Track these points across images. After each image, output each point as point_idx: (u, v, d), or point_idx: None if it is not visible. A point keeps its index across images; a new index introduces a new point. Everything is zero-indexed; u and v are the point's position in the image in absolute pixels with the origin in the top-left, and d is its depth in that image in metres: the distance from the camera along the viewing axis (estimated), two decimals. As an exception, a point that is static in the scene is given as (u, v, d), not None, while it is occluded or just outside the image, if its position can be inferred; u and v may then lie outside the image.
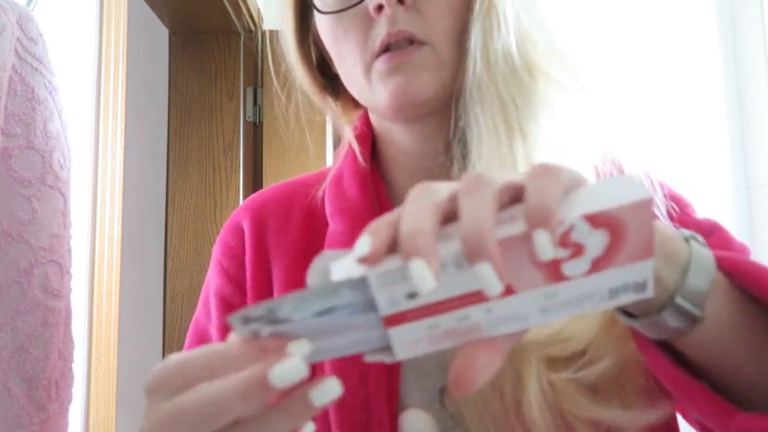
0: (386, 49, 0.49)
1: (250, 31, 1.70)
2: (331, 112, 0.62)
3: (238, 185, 1.63)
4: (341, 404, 0.47)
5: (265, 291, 0.55)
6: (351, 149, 0.59)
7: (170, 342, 1.58)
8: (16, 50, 0.58)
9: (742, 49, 2.03)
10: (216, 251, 0.60)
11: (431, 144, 0.54)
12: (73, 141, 0.66)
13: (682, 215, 0.52)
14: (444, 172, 0.53)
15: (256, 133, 1.70)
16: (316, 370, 0.49)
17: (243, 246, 0.58)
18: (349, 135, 0.59)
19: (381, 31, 0.48)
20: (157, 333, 1.62)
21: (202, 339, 0.57)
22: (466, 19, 0.49)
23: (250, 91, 1.69)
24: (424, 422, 0.48)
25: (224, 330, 0.55)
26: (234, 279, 0.57)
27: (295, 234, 0.57)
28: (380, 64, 0.49)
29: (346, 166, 0.58)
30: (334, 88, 0.61)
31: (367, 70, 0.50)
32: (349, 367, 0.48)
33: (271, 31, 1.72)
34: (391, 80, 0.49)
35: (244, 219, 0.59)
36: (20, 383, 0.57)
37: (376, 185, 0.57)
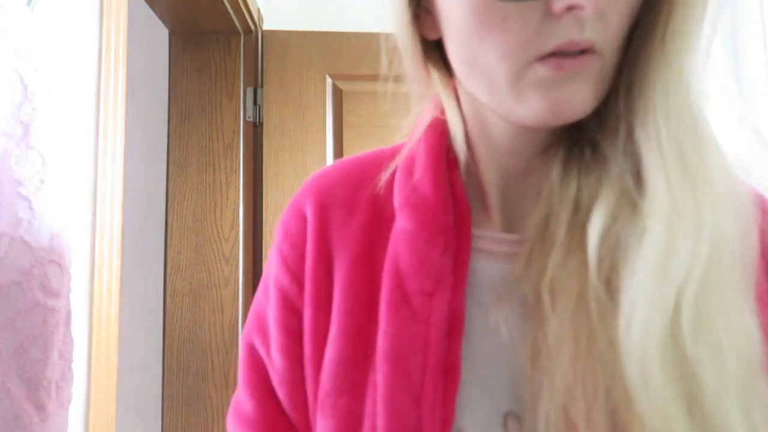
0: (555, 52, 0.41)
1: (250, 31, 1.70)
2: (422, 84, 0.53)
3: (238, 185, 1.63)
4: (391, 428, 0.44)
5: (324, 287, 0.51)
6: (428, 131, 0.53)
7: (170, 342, 1.58)
8: (16, 50, 0.58)
9: (742, 49, 2.02)
10: (278, 233, 0.56)
11: (534, 144, 0.49)
12: (73, 141, 0.66)
13: None
14: (542, 171, 0.48)
15: (256, 133, 1.70)
16: (368, 387, 0.47)
17: (304, 234, 0.53)
18: (450, 111, 0.51)
19: (561, 35, 0.40)
20: (157, 333, 1.62)
21: (261, 322, 0.55)
22: (632, 21, 0.43)
23: (250, 91, 1.69)
24: None
25: (281, 324, 0.52)
26: (291, 270, 0.53)
27: (360, 225, 0.52)
28: (544, 70, 0.42)
29: (419, 150, 0.52)
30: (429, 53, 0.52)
31: (520, 72, 0.42)
32: (402, 389, 0.45)
33: (271, 31, 1.73)
34: (551, 92, 0.42)
35: (308, 204, 0.54)
36: (20, 383, 0.57)
37: (451, 178, 0.51)
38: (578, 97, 0.42)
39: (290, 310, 0.52)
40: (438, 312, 0.46)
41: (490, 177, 0.51)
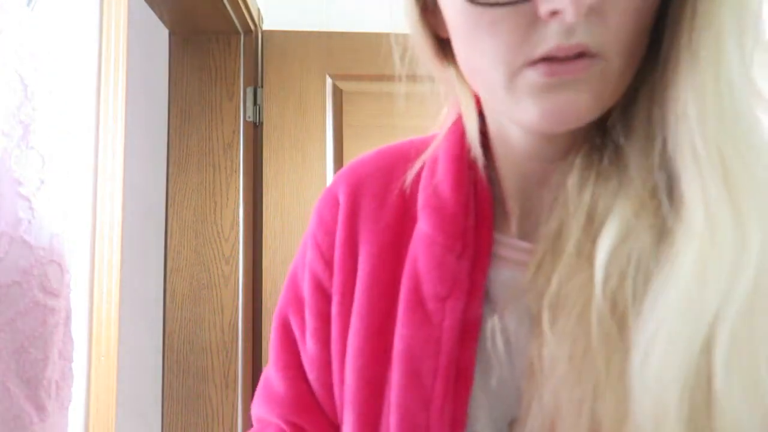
0: (545, 57, 0.39)
1: (250, 31, 1.70)
2: (446, 79, 0.52)
3: (238, 185, 1.63)
4: (401, 428, 0.45)
5: (350, 276, 0.51)
6: (452, 129, 0.51)
7: (170, 342, 1.58)
8: (16, 50, 0.58)
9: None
10: (313, 219, 0.57)
11: (555, 148, 0.47)
12: (73, 141, 0.66)
13: None
14: (559, 177, 0.45)
15: (256, 133, 1.70)
16: (386, 384, 0.47)
17: (336, 222, 0.54)
18: (469, 120, 0.50)
19: (549, 41, 0.38)
20: (157, 333, 1.62)
21: (299, 304, 0.56)
22: (650, 19, 0.40)
23: (250, 91, 1.69)
24: None
25: (314, 309, 0.53)
26: (325, 256, 0.54)
27: (388, 221, 0.52)
28: (536, 76, 0.39)
29: (443, 149, 0.51)
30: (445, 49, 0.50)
31: (512, 77, 0.40)
32: (413, 391, 0.45)
33: (271, 31, 1.72)
34: (546, 98, 0.39)
35: (341, 192, 0.55)
36: (20, 383, 0.57)
37: (475, 179, 0.49)
38: (574, 105, 0.39)
39: (323, 294, 0.54)
40: (452, 316, 0.46)
41: (510, 180, 0.50)
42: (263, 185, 1.66)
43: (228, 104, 1.67)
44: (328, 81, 1.72)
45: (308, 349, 0.53)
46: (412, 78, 0.53)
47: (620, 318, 0.38)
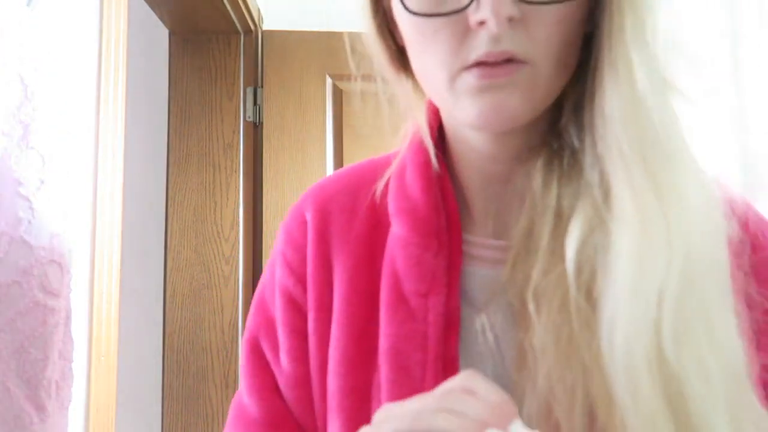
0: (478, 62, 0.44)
1: (250, 31, 1.70)
2: (402, 90, 0.55)
3: (238, 185, 1.63)
4: None
5: (325, 290, 0.53)
6: (415, 137, 0.54)
7: (170, 342, 1.58)
8: (16, 50, 0.58)
9: (742, 49, 2.02)
10: (279, 239, 0.58)
11: (510, 149, 0.50)
12: (73, 141, 0.66)
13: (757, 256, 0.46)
14: (522, 179, 0.49)
15: (256, 133, 1.70)
16: (373, 387, 0.48)
17: (305, 238, 0.55)
18: (421, 122, 0.53)
19: (479, 48, 0.43)
20: (157, 333, 1.62)
21: (269, 327, 0.56)
22: (576, 31, 0.45)
23: (250, 91, 1.69)
24: None
25: (288, 327, 0.53)
26: (296, 272, 0.55)
27: (359, 232, 0.53)
28: (471, 79, 0.44)
29: (409, 157, 0.54)
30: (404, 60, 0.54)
31: (453, 79, 0.45)
32: (403, 385, 0.46)
33: (271, 31, 1.73)
34: (480, 99, 0.44)
35: (308, 210, 0.56)
36: (20, 383, 0.57)
37: (441, 182, 0.52)
38: (506, 105, 0.44)
39: (297, 311, 0.54)
40: (434, 311, 0.48)
41: (473, 182, 0.53)
42: (263, 185, 1.66)
43: (228, 104, 1.67)
44: (328, 81, 1.72)
45: (284, 368, 0.53)
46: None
47: (595, 305, 0.42)
